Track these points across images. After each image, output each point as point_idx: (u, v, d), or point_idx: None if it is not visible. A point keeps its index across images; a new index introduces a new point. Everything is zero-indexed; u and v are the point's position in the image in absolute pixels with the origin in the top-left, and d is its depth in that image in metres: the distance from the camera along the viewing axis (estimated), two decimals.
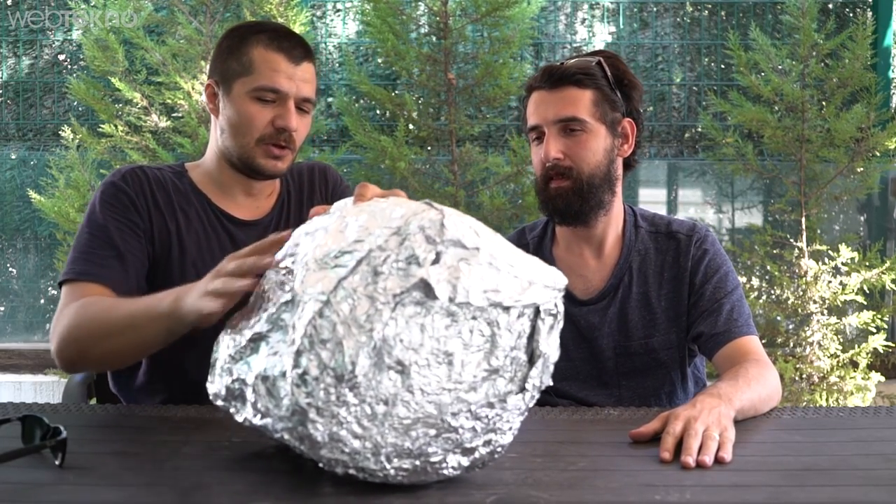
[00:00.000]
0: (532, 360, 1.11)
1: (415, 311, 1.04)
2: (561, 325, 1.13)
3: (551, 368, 1.13)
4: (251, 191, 1.74)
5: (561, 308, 1.13)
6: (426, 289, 1.03)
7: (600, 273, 1.77)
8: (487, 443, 1.11)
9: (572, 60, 1.74)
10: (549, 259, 1.79)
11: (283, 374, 1.04)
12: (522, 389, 1.11)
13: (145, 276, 1.66)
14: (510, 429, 1.12)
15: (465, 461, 1.10)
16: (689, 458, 1.19)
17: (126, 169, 1.69)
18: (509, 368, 1.10)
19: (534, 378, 1.11)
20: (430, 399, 1.05)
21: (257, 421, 1.09)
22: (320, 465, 1.06)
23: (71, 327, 1.50)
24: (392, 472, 1.06)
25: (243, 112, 1.65)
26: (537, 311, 1.10)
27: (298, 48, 1.67)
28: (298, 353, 1.03)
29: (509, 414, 1.11)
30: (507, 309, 1.08)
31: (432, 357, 1.05)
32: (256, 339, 1.11)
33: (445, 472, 1.09)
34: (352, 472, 1.06)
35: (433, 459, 1.08)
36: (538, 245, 1.83)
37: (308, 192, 1.81)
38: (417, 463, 1.07)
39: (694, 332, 1.72)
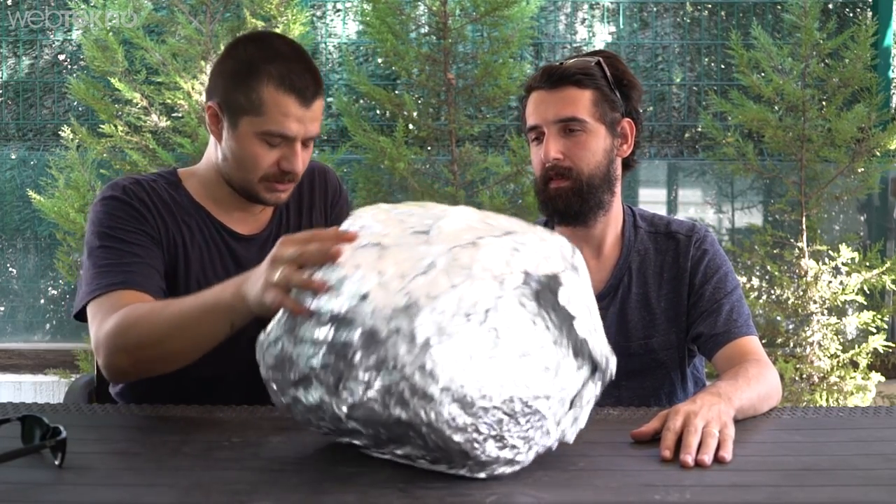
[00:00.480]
0: (570, 408, 1.18)
1: (524, 301, 1.10)
2: (592, 405, 1.21)
3: (578, 428, 1.20)
4: (248, 207, 1.69)
5: (599, 392, 1.21)
6: (552, 283, 1.11)
7: (600, 273, 1.77)
8: (513, 447, 1.12)
9: (572, 60, 1.74)
10: None
11: (403, 276, 1.08)
12: (557, 424, 1.16)
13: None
14: (529, 449, 1.14)
15: (494, 452, 1.10)
16: (689, 457, 1.19)
17: (123, 182, 1.62)
18: (555, 404, 1.14)
19: (565, 424, 1.17)
20: (499, 380, 1.08)
21: (344, 305, 1.10)
22: (369, 383, 1.07)
23: (118, 335, 1.44)
24: (444, 412, 1.06)
25: (249, 151, 1.58)
26: (592, 373, 1.18)
27: (310, 86, 1.56)
28: (432, 265, 1.08)
29: (539, 434, 1.14)
30: (576, 356, 1.15)
31: (515, 347, 1.09)
32: (372, 246, 1.14)
33: (476, 450, 1.09)
34: (406, 394, 1.06)
35: (481, 429, 1.08)
36: None
37: (308, 200, 1.76)
38: (468, 421, 1.07)
39: (693, 333, 1.72)
